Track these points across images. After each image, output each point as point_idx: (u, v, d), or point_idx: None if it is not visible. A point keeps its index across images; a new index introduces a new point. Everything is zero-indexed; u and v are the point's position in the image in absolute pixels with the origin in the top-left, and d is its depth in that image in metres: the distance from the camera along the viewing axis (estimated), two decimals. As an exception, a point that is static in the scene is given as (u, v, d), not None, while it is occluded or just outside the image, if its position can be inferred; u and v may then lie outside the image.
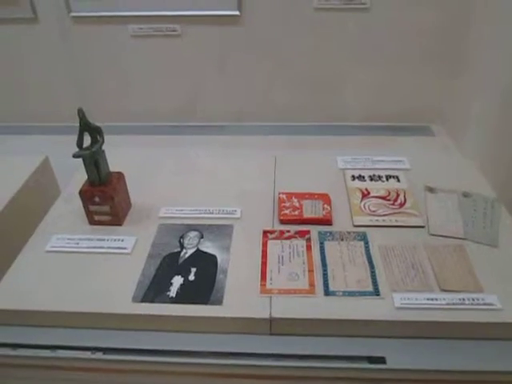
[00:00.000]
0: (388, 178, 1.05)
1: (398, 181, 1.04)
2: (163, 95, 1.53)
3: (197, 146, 1.34)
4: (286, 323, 0.76)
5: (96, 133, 0.88)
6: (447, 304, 0.75)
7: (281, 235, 0.90)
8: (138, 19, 1.47)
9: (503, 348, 0.73)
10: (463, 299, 0.76)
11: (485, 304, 0.75)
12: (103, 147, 0.89)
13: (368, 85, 1.55)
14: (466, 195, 0.99)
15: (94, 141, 0.89)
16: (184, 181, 1.08)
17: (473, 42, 1.42)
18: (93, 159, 0.88)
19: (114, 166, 0.93)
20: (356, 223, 0.93)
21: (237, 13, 1.42)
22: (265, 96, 1.56)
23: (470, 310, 0.75)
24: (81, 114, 0.84)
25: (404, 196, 0.99)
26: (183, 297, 0.79)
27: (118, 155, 1.10)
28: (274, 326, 0.76)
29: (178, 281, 0.82)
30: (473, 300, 0.75)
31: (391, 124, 1.59)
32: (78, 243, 0.91)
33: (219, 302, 0.78)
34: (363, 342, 0.75)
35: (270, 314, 0.76)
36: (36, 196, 1.10)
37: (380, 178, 1.05)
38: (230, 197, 1.02)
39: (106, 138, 0.87)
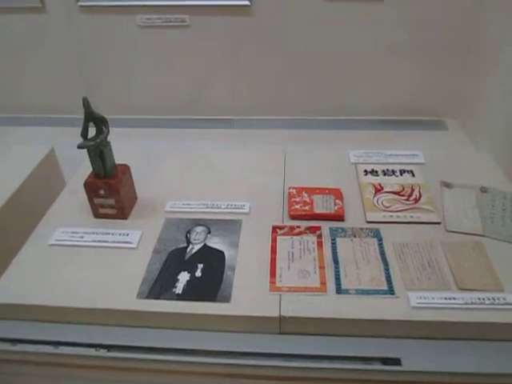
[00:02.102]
0: (402, 172, 1.02)
1: (413, 175, 1.01)
2: (172, 87, 1.50)
3: (205, 140, 1.31)
4: (296, 322, 0.73)
5: (101, 123, 0.85)
6: (465, 304, 0.72)
7: (291, 231, 0.87)
8: (146, 9, 1.44)
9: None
10: (482, 299, 0.72)
11: (506, 304, 0.72)
12: (109, 139, 0.86)
13: (381, 78, 1.51)
14: (483, 190, 0.95)
15: (99, 131, 0.86)
16: (191, 174, 1.05)
17: (487, 35, 1.38)
18: (98, 150, 0.85)
19: (120, 158, 0.91)
20: (369, 219, 0.89)
21: (247, 3, 1.38)
22: (275, 89, 1.52)
23: (489, 310, 0.71)
24: (86, 104, 0.82)
25: (419, 191, 0.96)
26: (190, 293, 0.77)
27: (125, 148, 1.07)
28: (283, 325, 0.73)
29: (184, 277, 0.80)
30: (493, 300, 0.72)
31: (404, 118, 1.56)
32: (82, 236, 0.89)
33: (227, 299, 0.75)
34: (377, 342, 0.72)
35: (280, 312, 0.73)
36: (41, 188, 1.08)
37: (394, 172, 1.02)
38: (238, 191, 0.99)
39: (113, 130, 0.84)
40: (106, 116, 0.83)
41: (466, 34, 1.42)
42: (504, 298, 0.72)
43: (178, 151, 1.14)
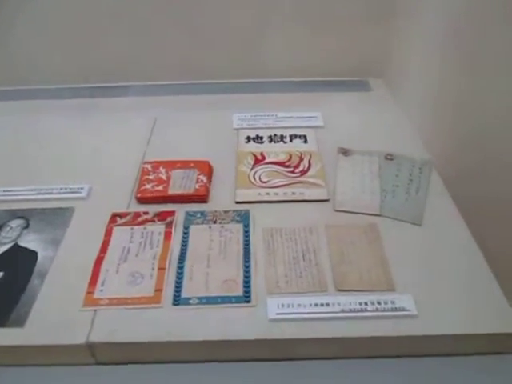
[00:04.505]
0: (293, 138, 0.81)
1: (305, 142, 0.81)
2: (52, 51, 1.23)
3: (57, 112, 1.04)
4: (115, 349, 0.52)
5: None
6: (342, 312, 0.52)
7: (134, 219, 0.66)
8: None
9: (418, 369, 0.51)
10: (365, 303, 0.53)
11: (395, 309, 0.53)
12: None
13: (296, 36, 1.28)
14: (389, 157, 0.76)
15: None
16: (25, 154, 0.82)
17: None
18: None
19: None
20: (238, 199, 0.69)
21: None
22: (175, 50, 1.27)
23: (373, 318, 0.52)
24: None
25: (309, 161, 0.76)
26: (-28, 316, 0.55)
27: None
28: (98, 354, 0.53)
29: (-29, 292, 0.57)
30: (378, 304, 0.53)
31: (324, 79, 1.33)
32: None
33: (21, 322, 0.54)
34: (224, 368, 0.52)
35: (88, 337, 0.51)
36: None
37: (283, 138, 0.81)
38: (80, 171, 0.77)
39: None
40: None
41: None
42: (392, 302, 0.53)
43: (13, 126, 0.90)
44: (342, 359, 0.51)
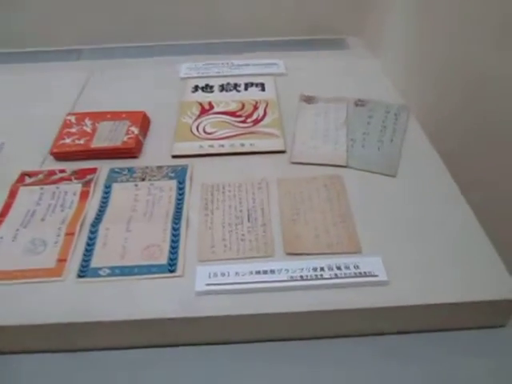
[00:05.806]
0: (248, 86, 0.69)
1: (263, 89, 0.69)
2: None
3: None
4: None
5: None
6: (291, 280, 0.41)
7: (46, 178, 0.54)
8: None
9: (388, 349, 0.40)
10: (321, 269, 0.41)
11: (359, 275, 0.41)
12: None
13: None
14: (359, 103, 0.64)
15: None
16: None
17: None
18: None
19: None
20: (175, 152, 0.57)
21: None
22: (131, 10, 1.13)
23: (331, 287, 0.40)
24: None
25: (264, 109, 0.64)
26: None
27: None
28: (-21, 341, 0.41)
29: None
30: (338, 269, 0.41)
31: (297, 38, 1.20)
32: None
33: None
34: (133, 356, 0.40)
35: (-38, 320, 0.40)
36: None
37: (236, 86, 0.69)
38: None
39: None
40: None
41: None
42: (356, 266, 0.41)
43: None
44: (288, 341, 0.40)
